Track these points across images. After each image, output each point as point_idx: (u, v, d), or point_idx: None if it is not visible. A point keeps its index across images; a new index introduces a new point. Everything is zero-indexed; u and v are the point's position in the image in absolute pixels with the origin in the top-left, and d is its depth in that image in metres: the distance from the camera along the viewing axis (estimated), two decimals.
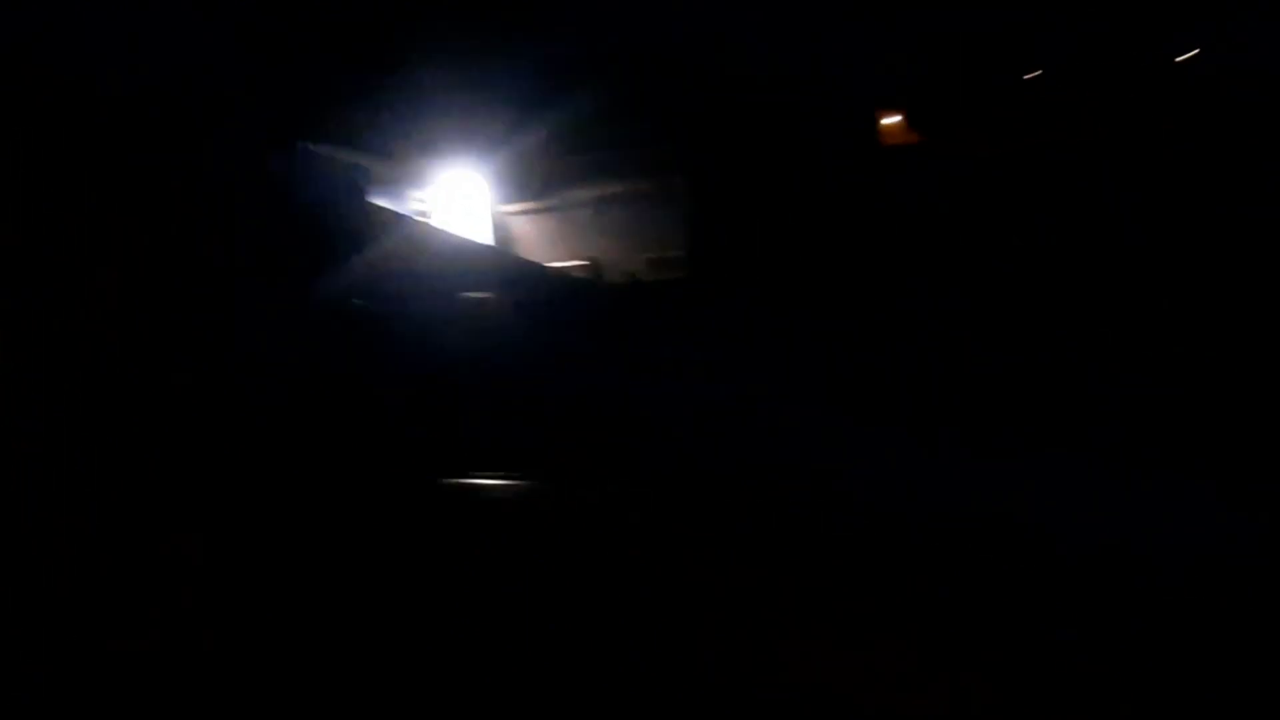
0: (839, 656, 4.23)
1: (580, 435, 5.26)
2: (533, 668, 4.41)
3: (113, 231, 4.64)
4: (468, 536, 4.88)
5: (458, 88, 6.20)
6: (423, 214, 6.18)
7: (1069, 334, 5.38)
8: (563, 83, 6.46)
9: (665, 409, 5.33)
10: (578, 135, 6.53)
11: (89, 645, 4.30)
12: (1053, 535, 4.42)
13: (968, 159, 6.23)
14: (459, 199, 6.40)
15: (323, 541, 4.80)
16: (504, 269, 6.15)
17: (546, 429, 5.26)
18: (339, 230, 5.31)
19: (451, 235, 6.05)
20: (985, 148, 6.18)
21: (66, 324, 4.49)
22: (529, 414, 5.30)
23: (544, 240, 6.78)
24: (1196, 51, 5.72)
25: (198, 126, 4.99)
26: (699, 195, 6.44)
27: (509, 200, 6.69)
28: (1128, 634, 4.03)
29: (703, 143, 6.47)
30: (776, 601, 4.45)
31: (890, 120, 6.29)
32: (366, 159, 5.93)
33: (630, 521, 4.86)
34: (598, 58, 6.49)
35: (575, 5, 6.39)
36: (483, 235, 6.58)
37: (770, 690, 4.22)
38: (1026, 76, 6.13)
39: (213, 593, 4.56)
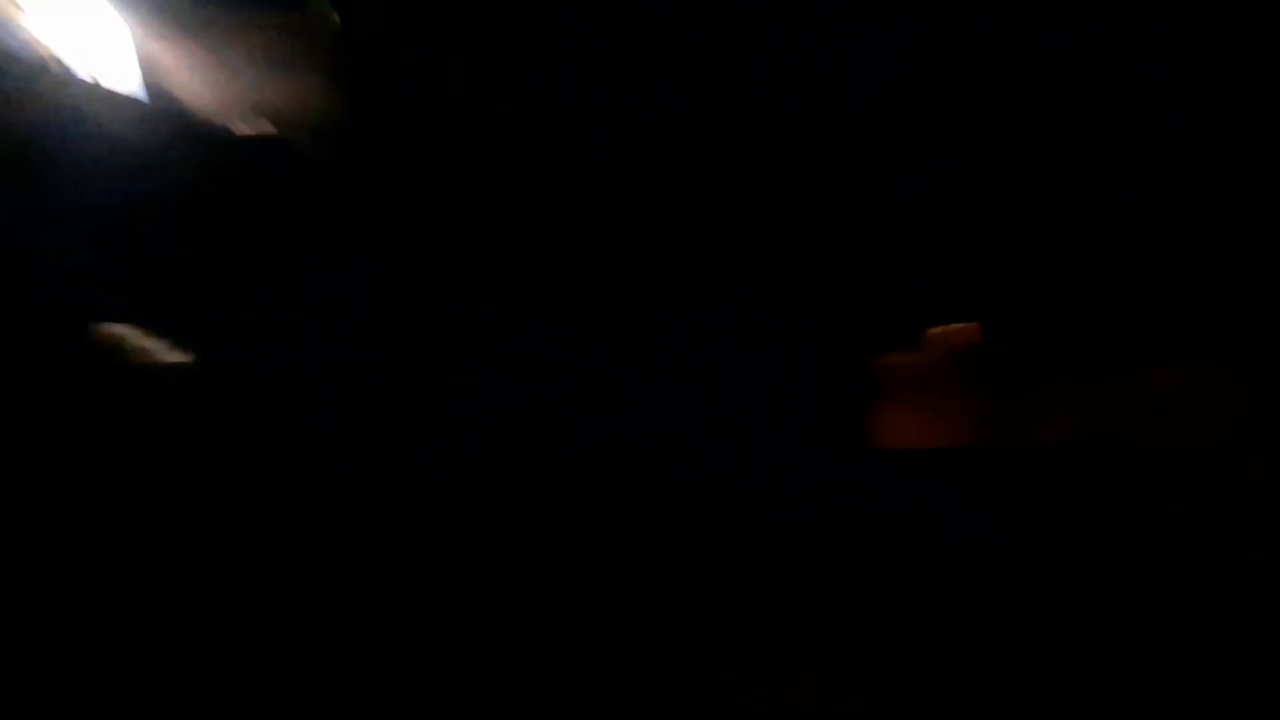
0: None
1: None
2: None
3: None
4: None
5: None
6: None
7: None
8: None
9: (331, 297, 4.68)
10: None
11: None
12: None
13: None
14: (81, 29, 5.16)
15: None
16: (141, 121, 5.07)
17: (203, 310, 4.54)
18: None
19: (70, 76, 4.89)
20: None
21: None
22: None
23: (202, 87, 5.68)
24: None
25: None
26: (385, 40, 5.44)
27: (158, 35, 5.51)
28: None
29: None
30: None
31: None
32: None
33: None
34: None
35: None
36: (119, 78, 5.39)
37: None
38: None
39: None
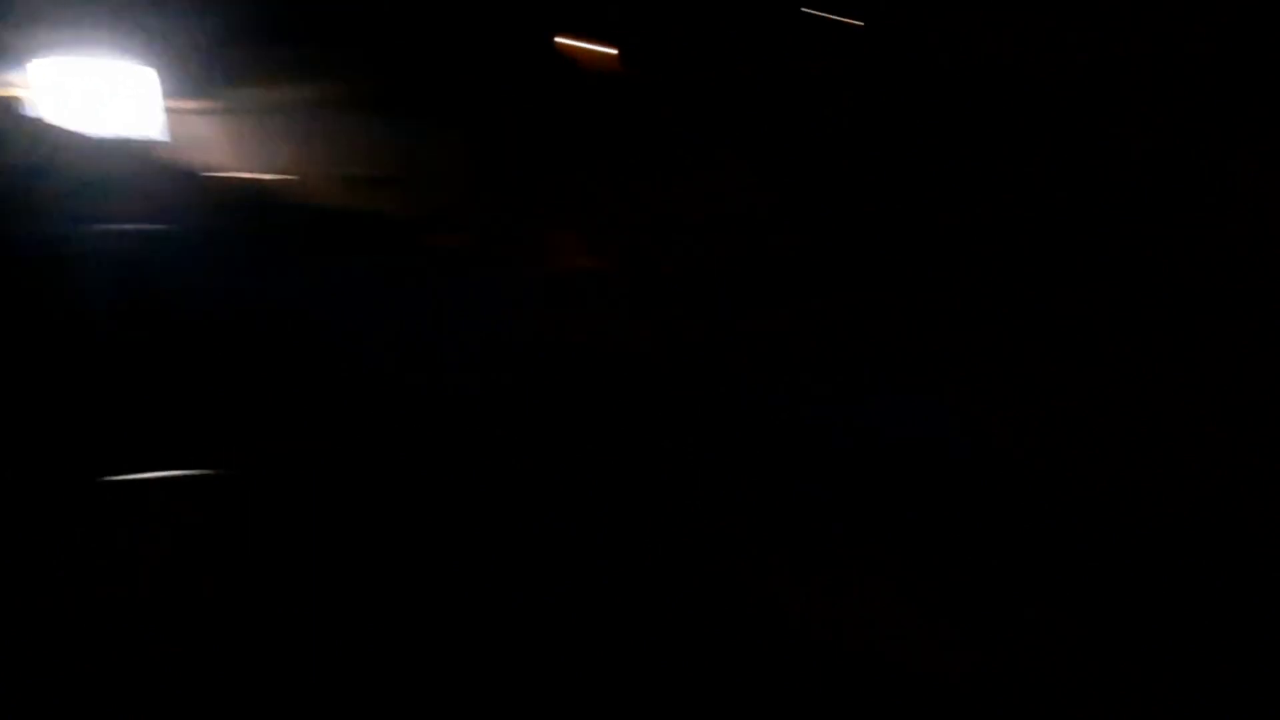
0: None
1: (283, 408, 4.27)
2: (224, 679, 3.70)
3: None
4: (137, 544, 3.94)
5: None
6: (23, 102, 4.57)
7: None
8: None
9: (385, 362, 4.43)
10: (261, 23, 5.19)
11: None
12: None
13: None
14: (108, 88, 4.93)
15: None
16: (157, 180, 4.82)
17: (239, 401, 4.28)
18: None
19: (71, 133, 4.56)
20: None
21: None
22: (213, 381, 4.27)
23: (227, 147, 5.45)
24: None
25: None
26: (407, 105, 5.23)
27: (179, 95, 5.30)
28: None
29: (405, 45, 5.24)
30: None
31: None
32: None
33: (337, 509, 4.11)
34: None
35: None
36: (140, 134, 5.16)
37: None
38: None
39: None
